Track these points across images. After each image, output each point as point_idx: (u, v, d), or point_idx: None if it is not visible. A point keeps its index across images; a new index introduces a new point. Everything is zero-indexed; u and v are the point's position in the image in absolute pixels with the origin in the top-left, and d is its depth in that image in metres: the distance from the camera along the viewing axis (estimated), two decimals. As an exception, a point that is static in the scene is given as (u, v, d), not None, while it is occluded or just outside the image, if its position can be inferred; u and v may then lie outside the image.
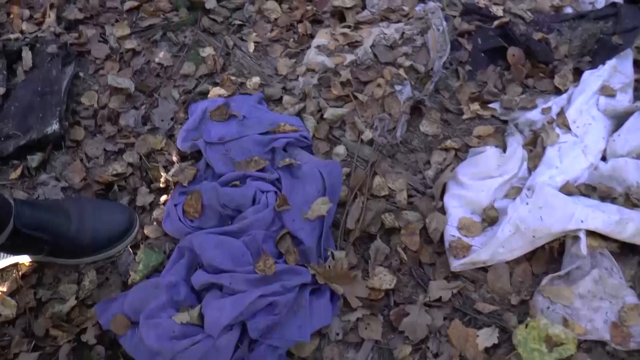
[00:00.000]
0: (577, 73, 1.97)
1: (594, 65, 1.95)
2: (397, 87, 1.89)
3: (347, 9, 2.22)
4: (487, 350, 1.39)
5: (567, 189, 1.58)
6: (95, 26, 2.27)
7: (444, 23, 2.08)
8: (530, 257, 1.54)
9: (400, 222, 1.59)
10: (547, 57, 2.03)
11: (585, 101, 1.82)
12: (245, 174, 1.63)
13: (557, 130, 1.75)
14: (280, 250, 1.51)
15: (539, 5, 2.25)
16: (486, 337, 1.41)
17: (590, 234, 1.51)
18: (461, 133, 1.84)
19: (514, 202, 1.56)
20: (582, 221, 1.48)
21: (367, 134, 1.79)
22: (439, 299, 1.47)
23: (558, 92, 1.96)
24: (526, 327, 1.39)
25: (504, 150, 1.73)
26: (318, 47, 2.06)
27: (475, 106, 1.88)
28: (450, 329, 1.43)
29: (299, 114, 1.88)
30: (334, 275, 1.47)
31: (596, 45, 2.00)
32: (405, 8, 2.21)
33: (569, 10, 2.26)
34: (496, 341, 1.40)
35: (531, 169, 1.69)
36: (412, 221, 1.59)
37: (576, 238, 1.48)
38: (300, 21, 2.24)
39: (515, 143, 1.72)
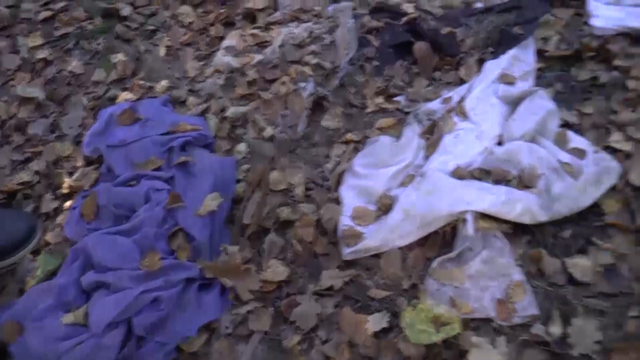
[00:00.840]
0: (482, 64, 2.02)
1: (496, 55, 2.01)
2: (302, 84, 1.92)
3: (259, 10, 2.26)
4: (376, 334, 1.41)
5: (459, 174, 1.62)
6: (8, 37, 2.27)
7: (352, 21, 2.12)
8: (423, 242, 1.57)
9: (296, 214, 1.61)
10: (453, 49, 2.08)
11: (484, 89, 1.87)
12: (140, 174, 1.65)
13: (455, 118, 1.79)
14: (173, 247, 1.52)
15: (449, 1, 2.30)
16: (376, 322, 1.42)
17: (482, 216, 1.54)
18: (363, 126, 1.87)
19: (406, 189, 1.59)
20: (469, 203, 1.51)
21: (269, 131, 1.81)
22: (331, 288, 1.49)
23: (463, 83, 2.00)
24: (414, 309, 1.40)
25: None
26: (226, 48, 2.09)
27: (380, 100, 1.92)
28: (341, 316, 1.44)
29: (202, 114, 1.90)
30: (224, 270, 1.48)
31: (499, 37, 2.05)
32: (317, 8, 2.25)
33: (479, 5, 2.31)
34: (386, 325, 1.41)
35: (428, 157, 1.71)
36: (307, 213, 1.61)
37: (465, 220, 1.51)
38: (213, 24, 2.27)
39: (411, 132, 1.76)
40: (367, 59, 2.08)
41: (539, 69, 2.06)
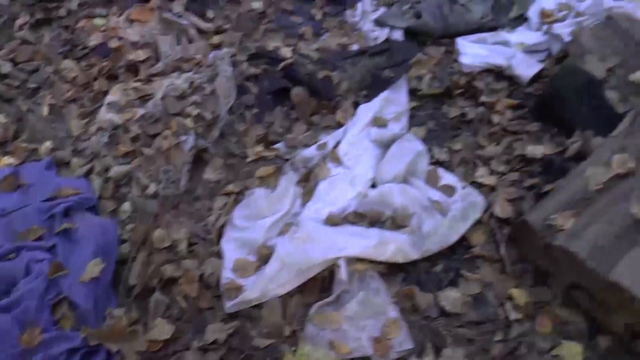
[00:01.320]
0: (357, 107, 2.16)
1: (369, 98, 2.15)
2: (182, 138, 1.99)
3: (141, 62, 2.31)
4: (260, 383, 1.50)
5: (332, 220, 1.74)
6: None
7: (230, 69, 2.22)
8: (302, 288, 1.67)
9: (180, 271, 1.69)
10: (329, 93, 2.21)
11: (357, 133, 2.00)
12: (19, 246, 1.67)
13: (330, 164, 1.92)
14: (57, 317, 1.56)
15: (327, 44, 2.44)
16: (259, 371, 1.52)
17: (357, 259, 1.66)
18: (244, 176, 1.97)
19: (283, 238, 1.70)
20: (341, 249, 1.64)
21: (152, 188, 1.88)
22: (215, 342, 1.57)
23: (340, 126, 2.13)
24: (294, 355, 1.51)
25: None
26: (110, 104, 2.14)
27: (259, 148, 2.02)
28: (223, 369, 1.53)
29: (87, 174, 1.94)
30: (110, 334, 1.54)
31: (372, 80, 2.20)
32: (198, 56, 2.33)
33: (355, 47, 2.46)
34: (271, 375, 1.51)
35: (304, 204, 1.83)
36: (191, 269, 1.69)
37: (339, 266, 1.63)
38: (96, 78, 2.31)
39: (287, 182, 1.87)
40: (246, 106, 2.18)
41: (413, 108, 2.22)
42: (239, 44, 2.45)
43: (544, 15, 2.65)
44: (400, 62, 2.23)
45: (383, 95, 2.13)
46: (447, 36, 2.61)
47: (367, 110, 2.07)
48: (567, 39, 2.42)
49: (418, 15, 2.55)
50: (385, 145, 1.99)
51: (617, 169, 1.63)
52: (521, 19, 2.74)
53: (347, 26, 2.68)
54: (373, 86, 2.19)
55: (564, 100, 2.10)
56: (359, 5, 2.82)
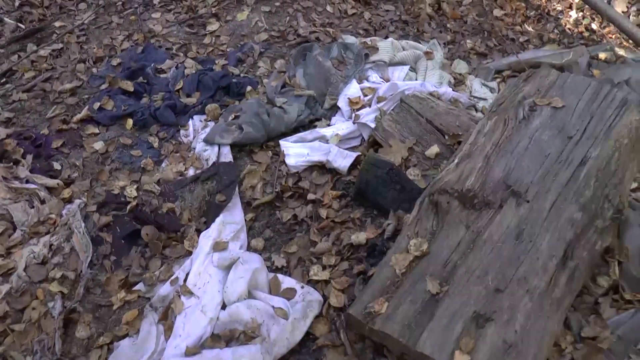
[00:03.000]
0: (200, 233, 2.53)
1: (208, 224, 2.53)
2: (50, 304, 2.28)
3: (-1, 235, 2.57)
4: None
5: (191, 352, 2.09)
6: None
7: (82, 225, 2.53)
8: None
9: None
10: (175, 225, 2.58)
11: (202, 262, 2.38)
12: None
13: (183, 298, 2.27)
14: None
15: (165, 175, 2.81)
16: None
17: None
18: (113, 324, 2.29)
19: (152, 381, 2.03)
20: (202, 378, 1.99)
21: (29, 360, 2.15)
22: None
23: (189, 254, 2.49)
24: None
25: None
26: (-26, 285, 2.38)
27: (123, 294, 2.35)
28: None
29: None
30: None
31: (207, 207, 2.58)
32: (52, 215, 2.63)
33: (191, 172, 2.85)
34: None
35: (167, 341, 2.17)
36: None
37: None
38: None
39: (148, 324, 2.21)
40: (104, 256, 2.50)
41: (251, 219, 2.63)
42: (89, 190, 2.76)
43: (352, 102, 3.14)
44: (228, 184, 2.62)
45: (219, 219, 2.51)
46: (272, 139, 3.05)
47: (207, 238, 2.44)
48: (373, 125, 2.91)
49: (242, 127, 2.97)
50: (228, 267, 2.35)
51: (414, 252, 2.06)
52: (334, 109, 3.23)
53: (183, 147, 3.05)
54: (209, 212, 2.57)
55: (374, 189, 2.57)
56: (190, 124, 3.21)
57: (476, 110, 3.34)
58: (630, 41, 3.63)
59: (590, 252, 2.02)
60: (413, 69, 3.58)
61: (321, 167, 2.88)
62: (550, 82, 2.35)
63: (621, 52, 3.75)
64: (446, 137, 2.75)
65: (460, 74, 3.70)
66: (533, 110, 2.23)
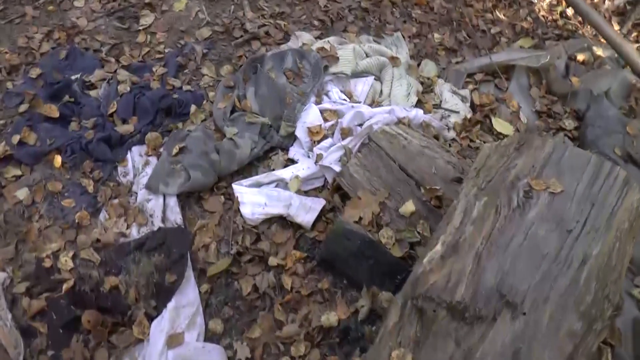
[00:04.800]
0: (150, 318, 2.28)
1: (158, 310, 2.29)
2: None
3: None
4: None
5: None
6: None
7: (9, 315, 2.25)
8: None
9: None
10: (120, 307, 2.32)
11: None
12: None
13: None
14: None
15: (105, 238, 2.51)
16: None
17: None
18: None
19: None
20: None
21: None
22: None
23: (140, 341, 2.25)
24: None
25: None
26: None
27: (66, 398, 2.11)
28: None
29: None
30: None
31: (156, 289, 2.32)
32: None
33: (134, 230, 2.56)
34: None
35: None
36: None
37: None
38: None
39: None
40: (40, 351, 2.24)
41: (206, 292, 2.40)
42: (15, 257, 2.45)
43: (312, 133, 2.86)
44: (178, 259, 2.36)
45: (171, 305, 2.28)
46: (223, 178, 2.77)
47: (159, 331, 2.21)
48: (338, 168, 2.66)
49: (188, 172, 2.67)
50: (186, 363, 2.14)
51: (390, 364, 1.91)
52: (291, 137, 2.94)
53: (122, 189, 2.74)
54: (159, 295, 2.31)
55: (343, 261, 2.37)
56: (129, 158, 2.88)
57: (448, 129, 3.13)
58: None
59: (587, 356, 1.90)
60: (378, 78, 3.29)
61: (282, 218, 2.64)
62: (545, 155, 2.14)
63: (599, 52, 3.54)
64: (422, 189, 2.53)
65: (428, 78, 3.43)
66: (529, 197, 2.03)
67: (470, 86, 3.39)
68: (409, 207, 2.50)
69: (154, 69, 3.28)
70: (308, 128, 2.90)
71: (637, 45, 3.81)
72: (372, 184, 2.60)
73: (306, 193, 2.77)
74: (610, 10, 3.89)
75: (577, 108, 3.31)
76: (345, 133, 2.82)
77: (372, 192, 2.57)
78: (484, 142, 3.09)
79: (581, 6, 3.20)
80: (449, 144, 3.05)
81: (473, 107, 3.30)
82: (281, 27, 3.57)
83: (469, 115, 3.23)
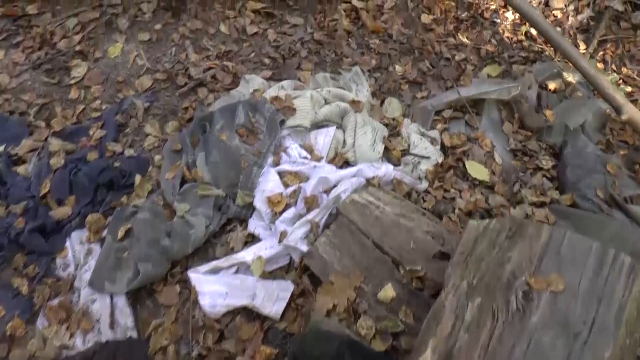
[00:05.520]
0: None
1: None
2: None
3: None
4: None
5: None
6: None
7: None
8: None
9: None
10: None
11: None
12: None
13: None
14: None
15: (45, 353, 2.21)
16: None
17: None
18: None
19: None
20: None
21: None
22: None
23: None
24: None
25: None
26: None
27: None
28: None
29: None
30: None
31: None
32: None
33: (78, 341, 2.28)
34: None
35: None
36: None
37: None
38: None
39: None
40: None
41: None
42: None
43: (272, 203, 2.59)
44: None
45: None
46: (177, 263, 2.49)
47: None
48: (305, 248, 2.40)
49: (137, 265, 2.38)
50: None
51: None
52: (250, 206, 2.67)
53: (63, 286, 2.43)
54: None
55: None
56: (68, 246, 2.56)
57: (420, 179, 2.89)
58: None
59: None
60: (340, 125, 3.02)
61: (246, 308, 2.37)
62: (542, 245, 1.91)
63: (569, 77, 3.34)
64: (401, 270, 2.28)
65: (393, 119, 3.18)
66: (529, 299, 1.80)
67: (440, 125, 3.14)
68: (388, 291, 2.25)
69: (90, 132, 2.95)
70: (268, 197, 2.62)
71: (603, 65, 3.63)
72: (345, 265, 2.35)
73: (271, 273, 2.49)
74: (574, 27, 3.68)
75: (552, 143, 3.10)
76: (310, 202, 2.55)
77: (345, 274, 2.32)
78: (460, 191, 2.86)
79: (552, 35, 2.98)
80: (423, 199, 2.80)
81: (444, 149, 3.06)
82: (229, 69, 3.26)
83: (440, 160, 2.99)
